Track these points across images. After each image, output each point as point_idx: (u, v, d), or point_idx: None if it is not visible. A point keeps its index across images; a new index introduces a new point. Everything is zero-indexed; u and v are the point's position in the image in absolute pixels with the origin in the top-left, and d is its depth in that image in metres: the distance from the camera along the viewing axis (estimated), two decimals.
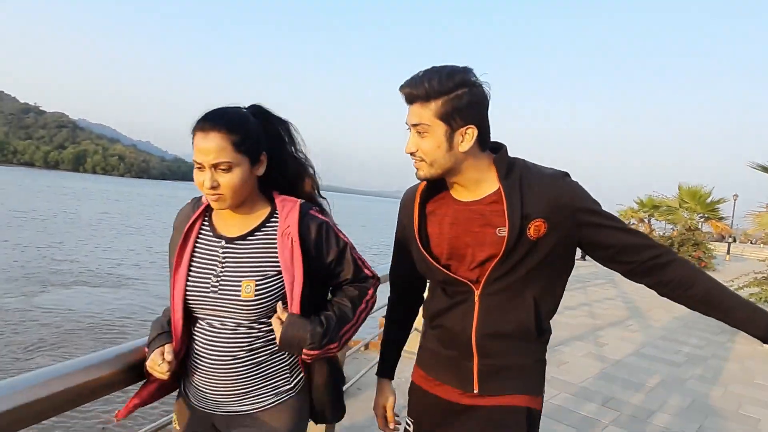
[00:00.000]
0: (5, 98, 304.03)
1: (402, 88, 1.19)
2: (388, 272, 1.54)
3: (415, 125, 1.18)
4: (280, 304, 1.21)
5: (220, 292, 1.20)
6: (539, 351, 1.31)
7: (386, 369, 1.51)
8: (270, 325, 1.22)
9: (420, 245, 1.29)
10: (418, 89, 1.15)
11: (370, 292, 1.35)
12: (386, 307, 1.54)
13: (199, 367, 1.23)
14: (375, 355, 2.63)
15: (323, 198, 1.39)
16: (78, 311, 10.05)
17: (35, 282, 12.13)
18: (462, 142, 1.18)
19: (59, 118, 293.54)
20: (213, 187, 1.14)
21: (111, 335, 8.76)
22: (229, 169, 1.14)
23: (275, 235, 1.23)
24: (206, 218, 1.29)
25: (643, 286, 1.28)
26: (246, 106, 1.29)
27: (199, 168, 1.16)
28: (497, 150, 1.26)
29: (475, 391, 1.26)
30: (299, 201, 1.27)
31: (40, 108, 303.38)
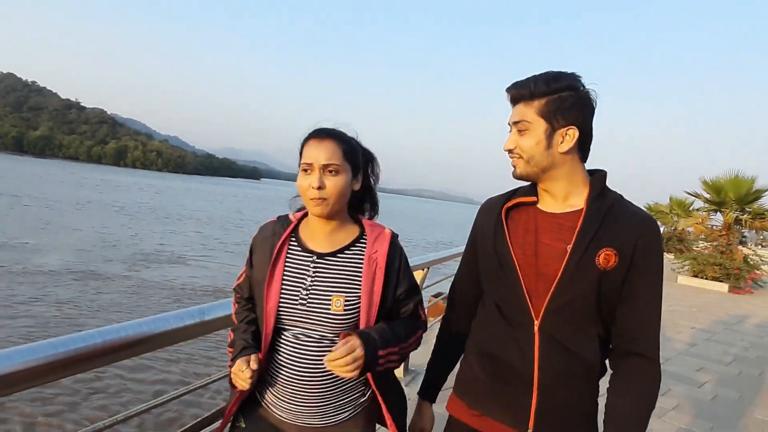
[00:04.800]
0: (48, 95, 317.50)
1: (508, 89, 1.21)
2: (448, 290, 1.48)
3: (516, 123, 1.19)
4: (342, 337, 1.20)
5: (309, 304, 1.26)
6: (596, 392, 1.24)
7: (431, 391, 1.46)
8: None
9: (510, 246, 1.23)
10: (523, 89, 1.17)
11: (419, 333, 1.36)
12: (440, 325, 1.48)
13: (283, 376, 1.28)
14: None
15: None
16: (173, 280, 13.37)
17: (130, 260, 15.32)
18: (562, 143, 1.16)
19: (99, 114, 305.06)
20: (319, 188, 1.22)
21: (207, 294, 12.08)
22: (336, 173, 1.23)
23: (362, 257, 1.29)
24: (293, 236, 1.35)
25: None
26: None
27: (305, 170, 1.25)
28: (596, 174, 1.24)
29: (530, 431, 1.20)
30: (388, 229, 1.34)
31: (81, 104, 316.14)
